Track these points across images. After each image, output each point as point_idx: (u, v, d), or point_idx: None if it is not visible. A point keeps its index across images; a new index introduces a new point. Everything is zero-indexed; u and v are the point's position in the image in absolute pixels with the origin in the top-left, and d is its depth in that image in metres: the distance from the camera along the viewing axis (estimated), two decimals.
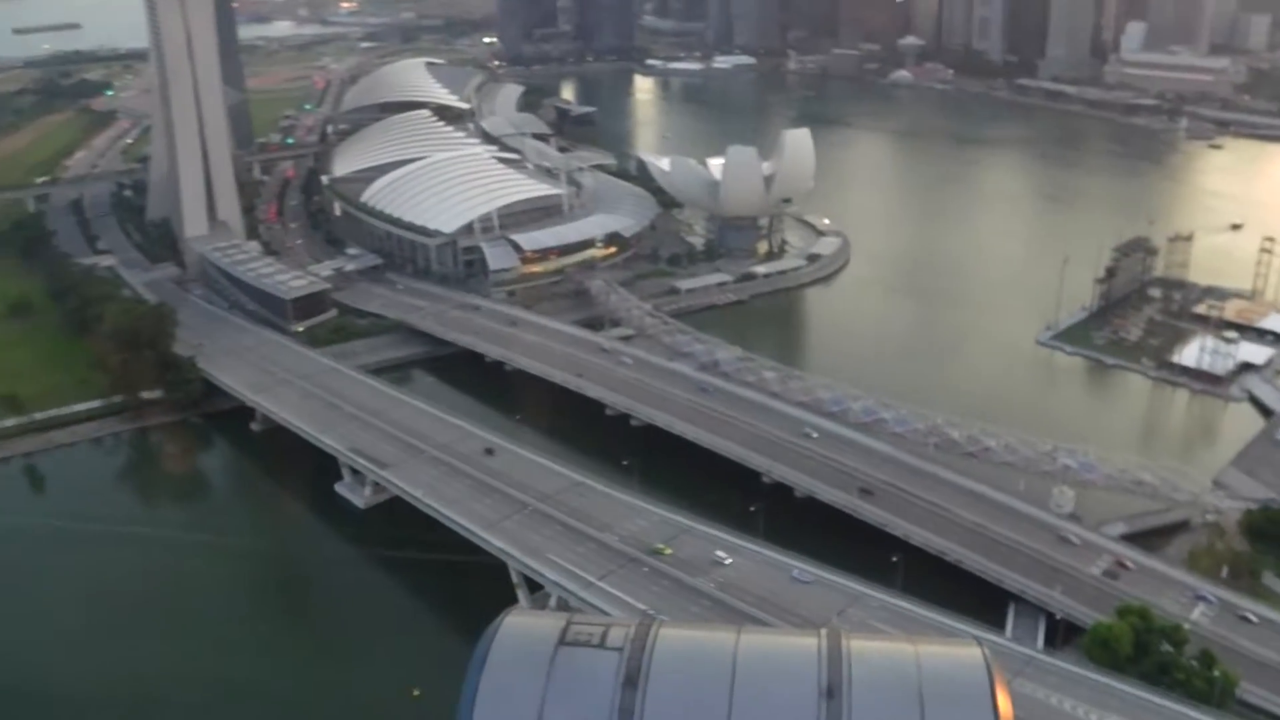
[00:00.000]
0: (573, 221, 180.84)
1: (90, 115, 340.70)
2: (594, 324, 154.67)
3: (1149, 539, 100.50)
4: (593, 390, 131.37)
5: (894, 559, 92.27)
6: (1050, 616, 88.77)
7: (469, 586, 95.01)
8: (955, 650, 18.85)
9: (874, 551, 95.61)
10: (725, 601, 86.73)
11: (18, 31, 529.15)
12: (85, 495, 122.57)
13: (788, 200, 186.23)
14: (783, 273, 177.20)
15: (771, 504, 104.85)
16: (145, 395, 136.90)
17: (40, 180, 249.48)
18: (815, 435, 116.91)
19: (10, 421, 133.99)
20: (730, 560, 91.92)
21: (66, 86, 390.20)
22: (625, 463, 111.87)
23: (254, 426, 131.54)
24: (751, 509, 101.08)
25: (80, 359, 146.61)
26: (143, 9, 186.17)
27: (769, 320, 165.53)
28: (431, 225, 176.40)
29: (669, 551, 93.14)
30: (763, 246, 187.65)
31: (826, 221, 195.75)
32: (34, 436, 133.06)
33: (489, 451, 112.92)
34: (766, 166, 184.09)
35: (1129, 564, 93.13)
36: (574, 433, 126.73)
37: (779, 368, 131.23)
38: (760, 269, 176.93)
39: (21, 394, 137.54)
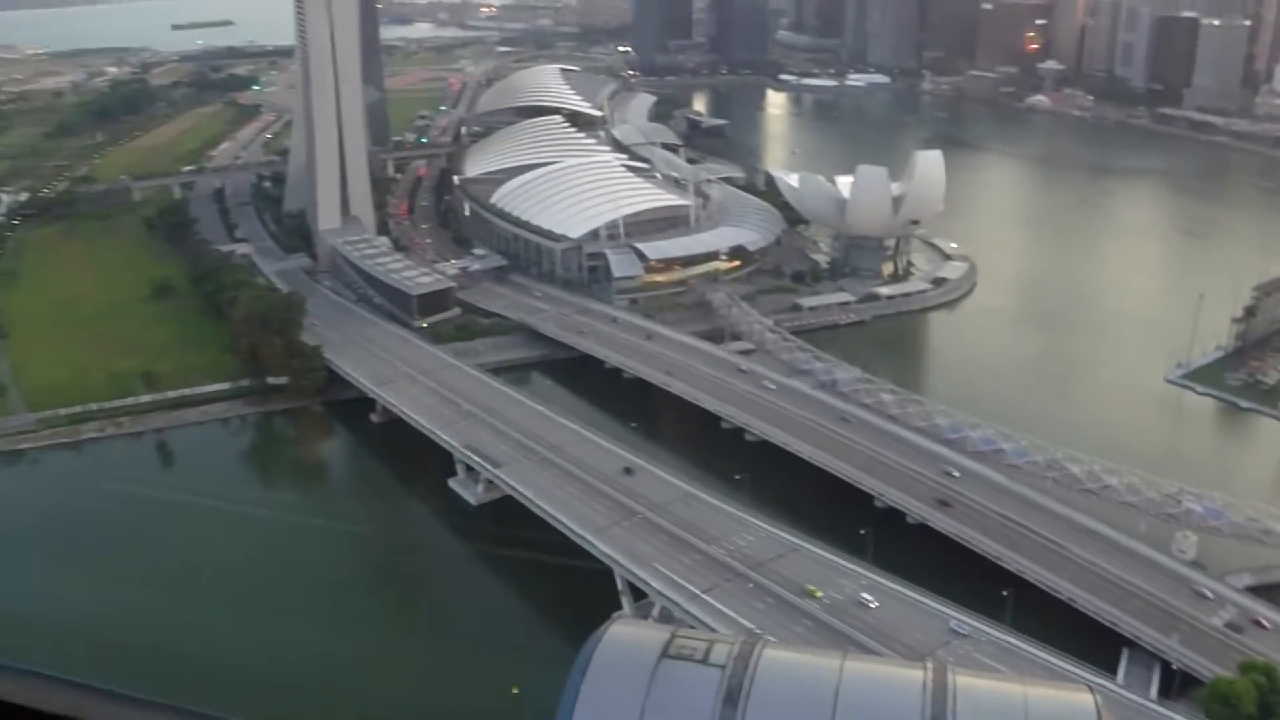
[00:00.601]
0: (698, 233, 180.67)
1: (237, 108, 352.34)
2: (714, 336, 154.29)
3: (1276, 593, 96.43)
4: (709, 402, 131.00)
5: (1004, 593, 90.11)
6: (1166, 665, 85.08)
7: (574, 589, 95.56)
8: (1065, 694, 18.23)
9: (983, 583, 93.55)
10: (828, 622, 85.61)
11: (175, 27, 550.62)
12: (209, 472, 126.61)
13: (916, 222, 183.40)
14: (907, 295, 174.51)
15: (882, 528, 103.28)
16: (272, 380, 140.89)
17: (187, 169, 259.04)
18: (956, 475, 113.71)
19: (146, 397, 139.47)
20: (876, 604, 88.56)
21: (216, 80, 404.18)
22: (737, 477, 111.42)
23: (374, 418, 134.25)
24: (861, 532, 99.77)
25: (214, 342, 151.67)
26: (291, 8, 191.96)
27: (890, 342, 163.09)
28: (558, 230, 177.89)
29: (819, 595, 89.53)
30: (888, 268, 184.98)
31: (954, 246, 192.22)
32: (166, 413, 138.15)
33: (619, 465, 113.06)
34: (896, 187, 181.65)
35: (1264, 622, 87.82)
36: (688, 443, 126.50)
37: (898, 391, 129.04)
38: (884, 290, 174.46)
39: (158, 371, 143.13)
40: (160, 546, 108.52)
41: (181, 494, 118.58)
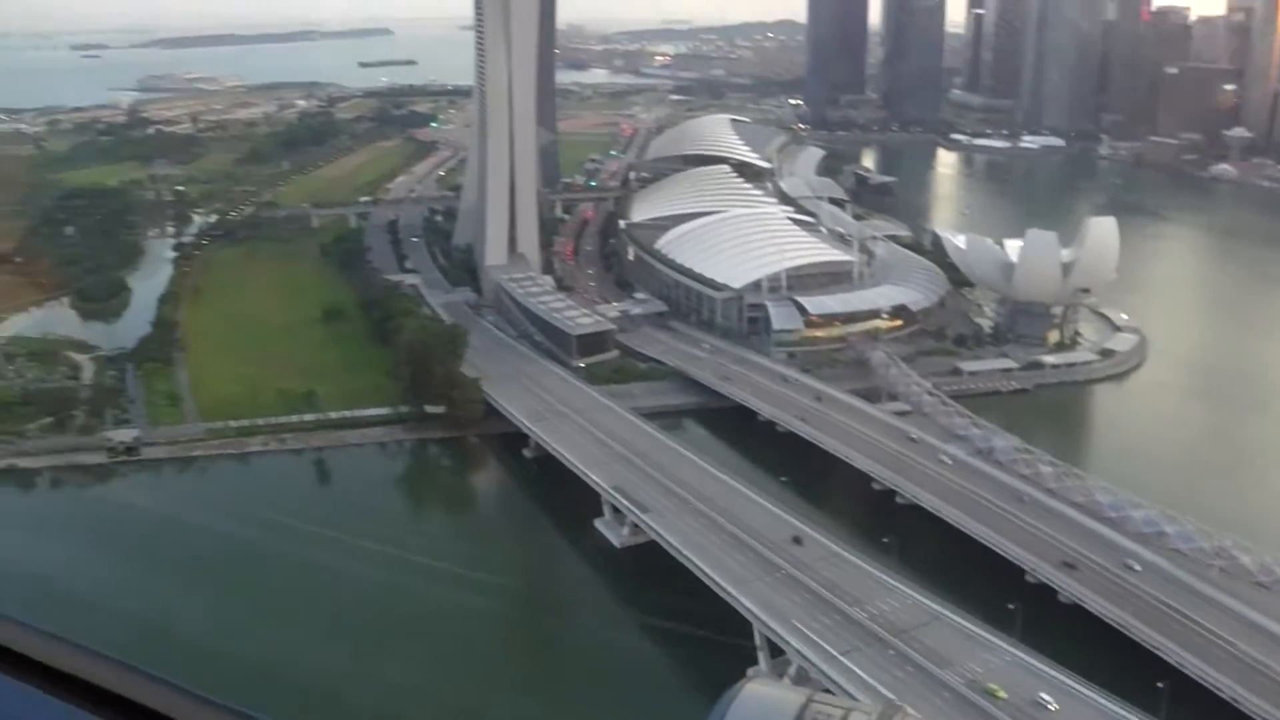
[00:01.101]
0: (861, 290, 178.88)
1: (415, 144, 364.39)
2: (870, 395, 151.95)
3: None
4: (861, 462, 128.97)
5: (1159, 685, 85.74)
6: None
7: (711, 641, 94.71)
8: None
9: (1136, 671, 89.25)
10: (970, 699, 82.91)
11: (363, 65, 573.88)
12: (361, 494, 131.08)
13: (1085, 290, 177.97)
14: (1072, 365, 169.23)
15: (1032, 604, 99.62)
16: (430, 409, 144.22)
17: (364, 200, 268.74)
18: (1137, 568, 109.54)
19: (309, 416, 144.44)
20: (1056, 707, 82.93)
21: (397, 116, 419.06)
22: (885, 539, 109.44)
23: (526, 453, 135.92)
24: (1010, 606, 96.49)
25: (378, 367, 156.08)
26: (472, 51, 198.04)
27: (1052, 413, 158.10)
28: (720, 279, 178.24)
29: (1003, 695, 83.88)
30: (1053, 336, 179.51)
31: (1125, 317, 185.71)
32: (328, 433, 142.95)
33: (766, 519, 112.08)
34: (1066, 253, 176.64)
35: None
36: (837, 501, 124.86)
37: (1057, 464, 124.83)
38: (1049, 359, 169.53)
39: (322, 392, 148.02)
40: (298, 570, 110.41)
41: (330, 515, 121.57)
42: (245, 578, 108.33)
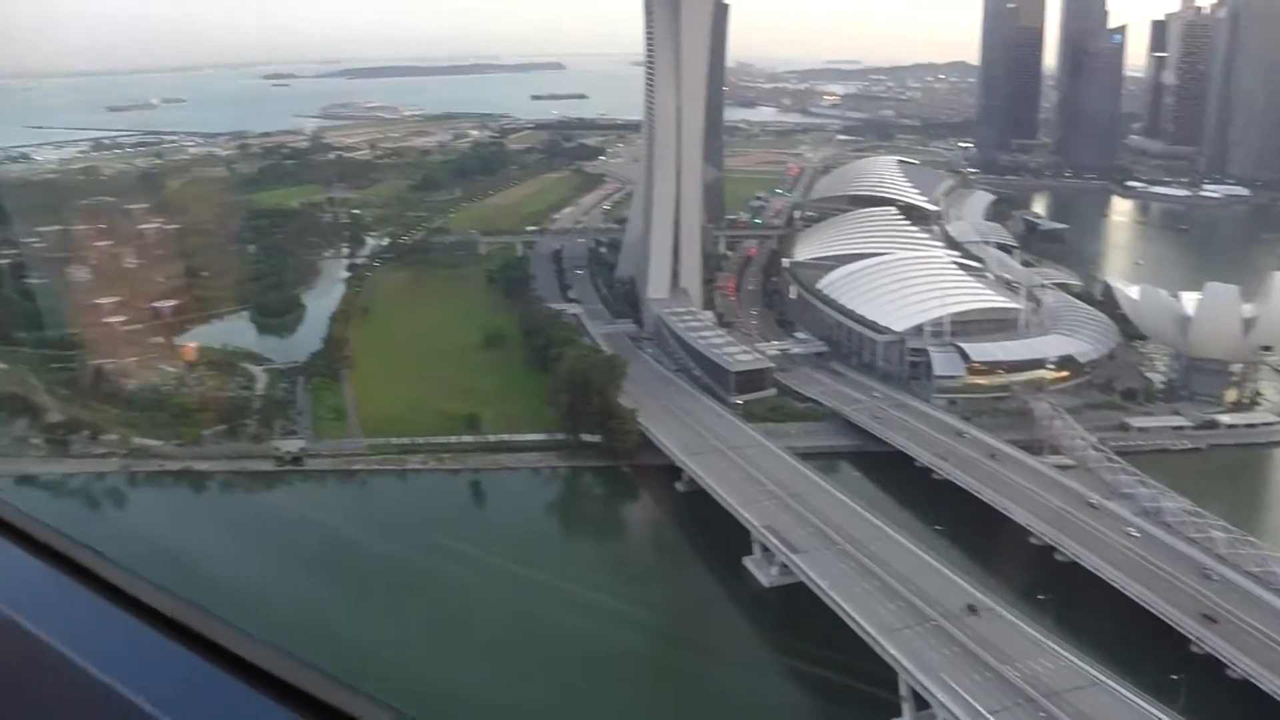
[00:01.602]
0: (1027, 338, 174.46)
1: (582, 176, 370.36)
2: (1033, 447, 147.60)
3: None
4: (1020, 515, 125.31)
5: None
6: None
7: (854, 688, 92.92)
8: None
9: None
10: None
11: (535, 98, 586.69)
12: (512, 518, 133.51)
13: (1268, 348, 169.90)
14: (1251, 426, 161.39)
15: (1197, 676, 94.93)
16: (585, 438, 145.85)
17: (530, 229, 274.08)
18: None
19: (468, 438, 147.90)
20: None
21: (566, 149, 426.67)
22: (1041, 597, 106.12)
23: (679, 486, 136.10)
24: (1174, 677, 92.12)
25: (536, 393, 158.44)
26: (642, 86, 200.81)
27: (1227, 475, 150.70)
28: (882, 321, 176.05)
29: None
30: (1231, 394, 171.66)
31: None
32: (484, 455, 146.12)
33: (919, 567, 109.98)
34: (1248, 309, 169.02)
35: None
36: (992, 554, 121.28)
37: (1230, 529, 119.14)
38: (1225, 418, 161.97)
39: (481, 416, 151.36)
40: (448, 589, 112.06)
41: (481, 536, 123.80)
42: (395, 590, 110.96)
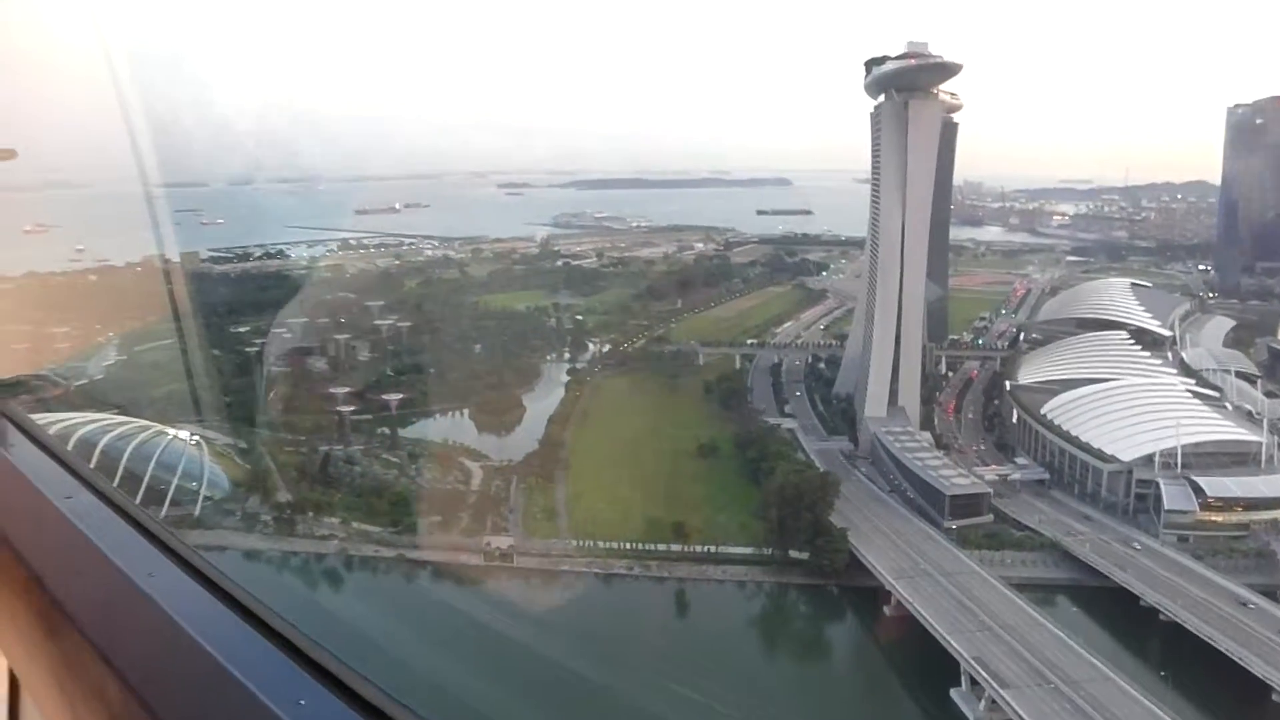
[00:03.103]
0: (1270, 474, 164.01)
1: (804, 291, 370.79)
2: (1272, 592, 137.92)
3: None
4: (1260, 668, 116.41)
5: None
6: None
7: None
8: None
9: None
10: None
11: (759, 212, 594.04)
12: (715, 633, 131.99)
13: None
14: None
15: None
16: (794, 554, 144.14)
17: (750, 342, 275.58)
18: None
19: (675, 546, 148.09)
20: None
21: (789, 263, 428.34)
22: None
23: (886, 610, 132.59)
24: None
25: (746, 506, 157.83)
26: (867, 203, 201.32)
27: None
28: (1108, 449, 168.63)
29: None
30: None
31: None
32: (690, 565, 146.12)
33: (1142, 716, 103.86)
34: None
35: None
36: (1225, 710, 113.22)
37: None
38: None
39: (690, 524, 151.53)
40: (651, 693, 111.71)
41: (682, 647, 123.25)
42: (597, 693, 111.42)
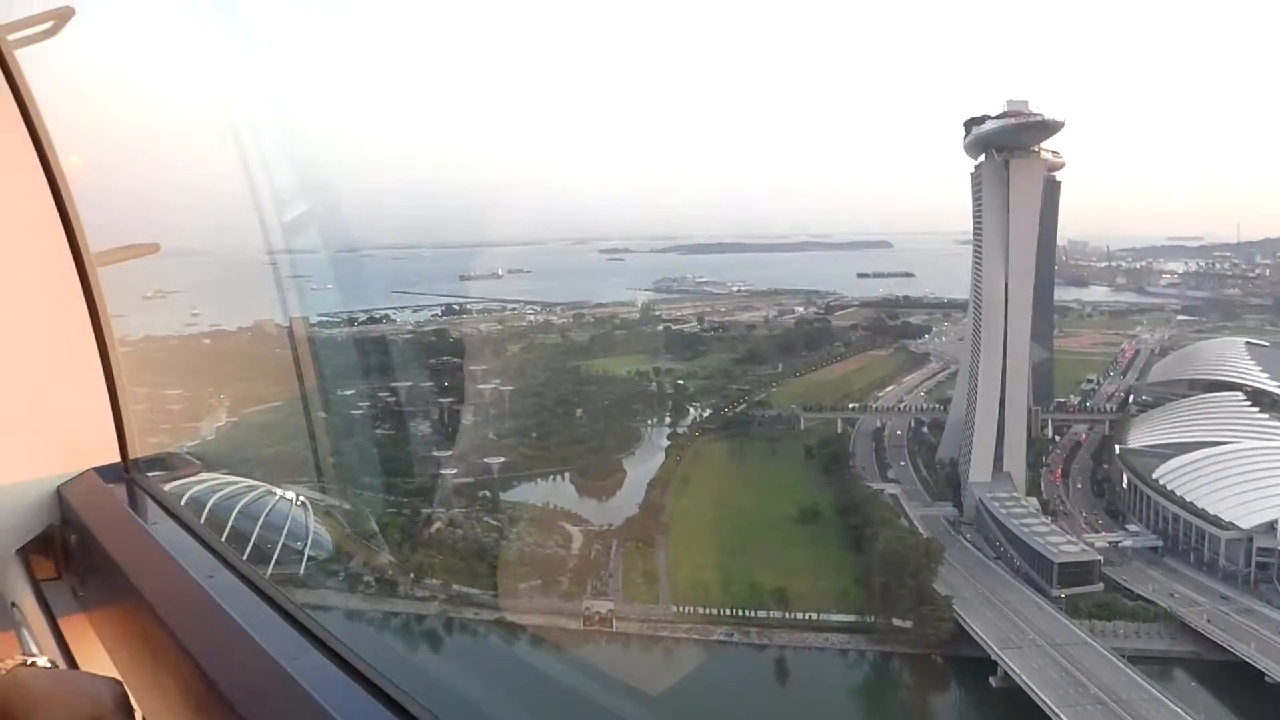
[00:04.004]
0: None
1: (906, 355, 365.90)
2: None
3: None
4: None
5: None
6: None
7: None
8: None
9: None
10: None
11: (860, 275, 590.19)
12: (818, 704, 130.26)
13: None
14: None
15: None
16: (896, 622, 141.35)
17: (851, 406, 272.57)
18: None
19: (777, 613, 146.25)
20: None
21: (891, 327, 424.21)
22: None
23: (993, 681, 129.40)
24: None
25: (846, 572, 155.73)
26: (969, 265, 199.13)
27: None
28: (1226, 516, 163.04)
29: None
30: None
31: None
32: (790, 632, 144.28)
33: None
34: None
35: None
36: None
37: None
38: None
39: (790, 591, 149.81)
40: None
41: (784, 717, 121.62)
42: None
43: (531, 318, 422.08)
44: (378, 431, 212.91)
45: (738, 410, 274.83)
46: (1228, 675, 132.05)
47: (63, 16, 8.78)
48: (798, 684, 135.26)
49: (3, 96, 8.25)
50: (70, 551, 8.14)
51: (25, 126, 8.29)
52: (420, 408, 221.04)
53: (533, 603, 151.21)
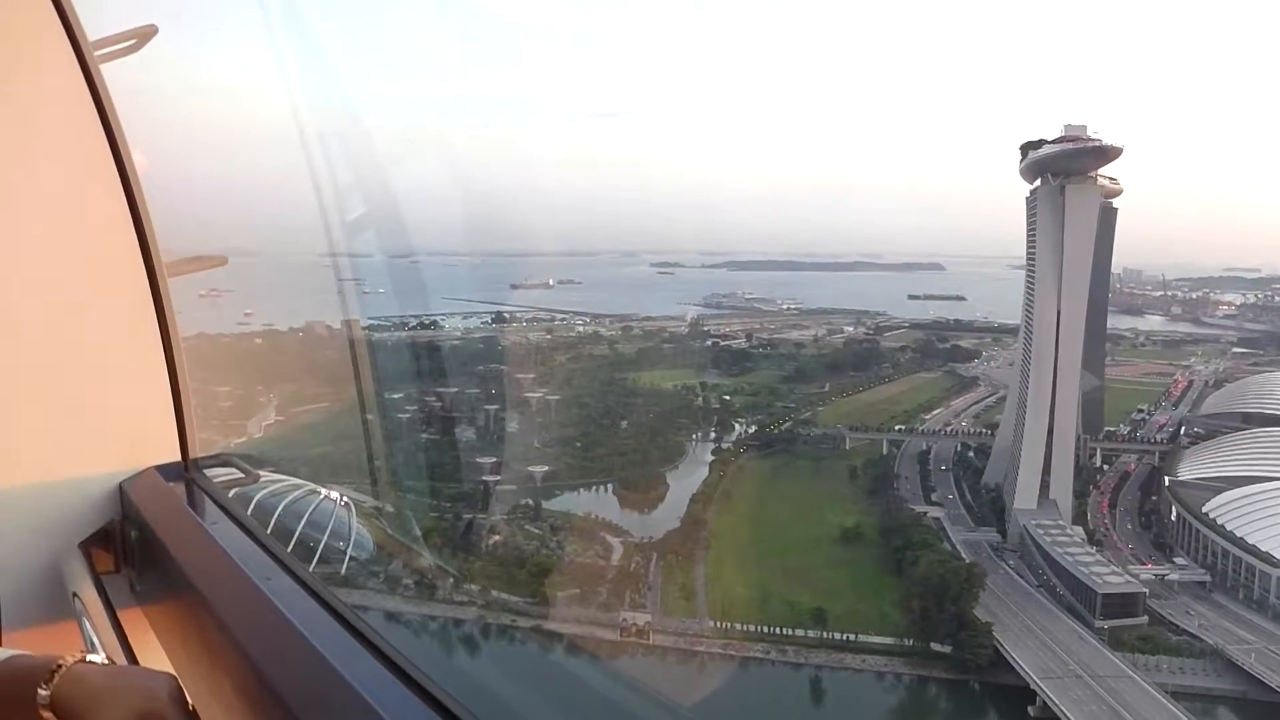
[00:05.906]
0: None
1: (955, 378, 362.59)
2: None
3: None
4: None
5: None
6: None
7: None
8: None
9: None
10: None
11: (911, 297, 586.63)
12: None
13: None
14: None
15: None
16: (935, 647, 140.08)
17: (898, 428, 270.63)
18: None
19: (815, 633, 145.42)
20: None
21: (940, 349, 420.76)
22: None
23: (1031, 711, 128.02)
24: None
25: (886, 595, 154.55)
26: (1021, 289, 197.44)
27: None
28: (1277, 553, 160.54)
29: None
30: None
31: None
32: (827, 652, 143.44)
33: None
34: None
35: None
36: None
37: None
38: None
39: (829, 611, 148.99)
40: None
41: None
42: None
43: (581, 328, 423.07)
44: (423, 435, 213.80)
45: (783, 428, 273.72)
46: (1275, 716, 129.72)
47: (146, 34, 9.20)
48: (833, 704, 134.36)
49: (87, 111, 8.63)
50: (130, 546, 8.38)
51: (106, 137, 8.67)
52: (466, 413, 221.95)
53: (570, 611, 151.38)
